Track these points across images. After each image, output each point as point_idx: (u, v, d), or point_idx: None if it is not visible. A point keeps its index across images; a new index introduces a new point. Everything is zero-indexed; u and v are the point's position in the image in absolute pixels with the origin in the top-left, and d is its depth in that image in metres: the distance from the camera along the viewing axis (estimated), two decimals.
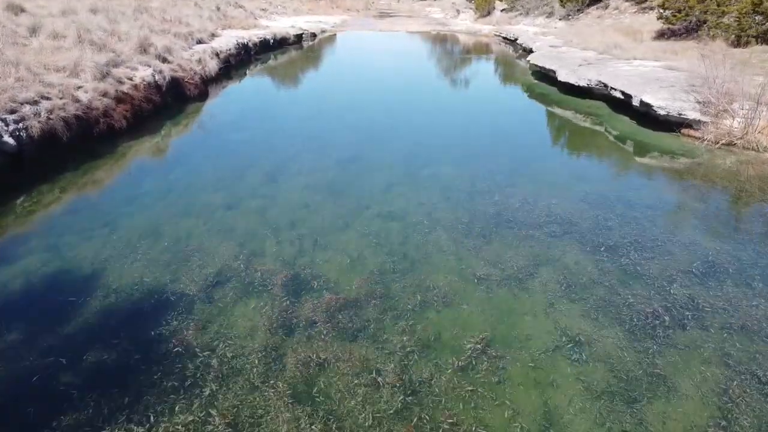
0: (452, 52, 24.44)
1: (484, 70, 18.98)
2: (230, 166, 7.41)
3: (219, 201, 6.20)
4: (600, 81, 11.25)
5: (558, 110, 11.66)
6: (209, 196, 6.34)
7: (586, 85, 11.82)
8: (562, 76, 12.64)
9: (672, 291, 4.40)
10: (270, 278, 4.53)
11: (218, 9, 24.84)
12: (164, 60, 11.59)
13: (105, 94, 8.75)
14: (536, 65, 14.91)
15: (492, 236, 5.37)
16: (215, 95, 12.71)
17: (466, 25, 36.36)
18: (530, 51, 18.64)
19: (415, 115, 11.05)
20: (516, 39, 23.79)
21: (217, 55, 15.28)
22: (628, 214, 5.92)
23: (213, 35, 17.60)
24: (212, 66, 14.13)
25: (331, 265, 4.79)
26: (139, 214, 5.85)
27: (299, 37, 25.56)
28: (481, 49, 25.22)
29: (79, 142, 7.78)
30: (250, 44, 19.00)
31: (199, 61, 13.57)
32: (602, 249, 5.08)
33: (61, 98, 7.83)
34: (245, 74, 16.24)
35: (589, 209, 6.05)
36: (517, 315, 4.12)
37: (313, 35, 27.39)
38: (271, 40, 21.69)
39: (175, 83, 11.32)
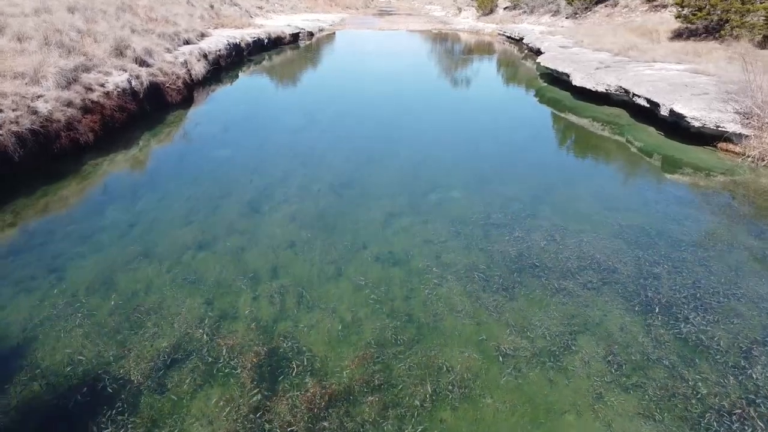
0: (454, 53, 23.41)
1: (488, 72, 17.96)
2: (207, 192, 6.44)
3: (189, 239, 5.24)
4: (621, 87, 10.26)
5: (573, 118, 10.68)
6: (178, 233, 5.38)
7: (604, 91, 10.83)
8: (577, 81, 11.65)
9: (753, 374, 3.44)
10: (240, 357, 3.57)
11: (212, 7, 23.81)
12: (143, 63, 10.60)
13: (69, 104, 7.77)
14: (547, 67, 13.94)
15: (515, 289, 4.41)
16: (201, 101, 11.73)
17: (468, 23, 35.32)
18: (537, 51, 17.66)
19: (418, 125, 10.05)
20: (521, 38, 22.81)
21: (205, 56, 14.29)
22: (675, 256, 4.96)
23: (203, 35, 16.60)
24: (199, 69, 13.15)
25: (318, 334, 3.83)
26: (92, 256, 4.90)
27: (295, 37, 24.59)
28: (485, 49, 24.20)
29: (36, 161, 6.83)
30: (242, 44, 18.00)
31: (184, 63, 12.58)
32: (655, 309, 4.12)
33: (14, 110, 6.87)
34: (237, 77, 15.25)
35: (628, 249, 5.09)
36: (557, 413, 3.17)
37: (311, 34, 26.40)
38: (266, 40, 20.70)
39: (155, 89, 10.34)
